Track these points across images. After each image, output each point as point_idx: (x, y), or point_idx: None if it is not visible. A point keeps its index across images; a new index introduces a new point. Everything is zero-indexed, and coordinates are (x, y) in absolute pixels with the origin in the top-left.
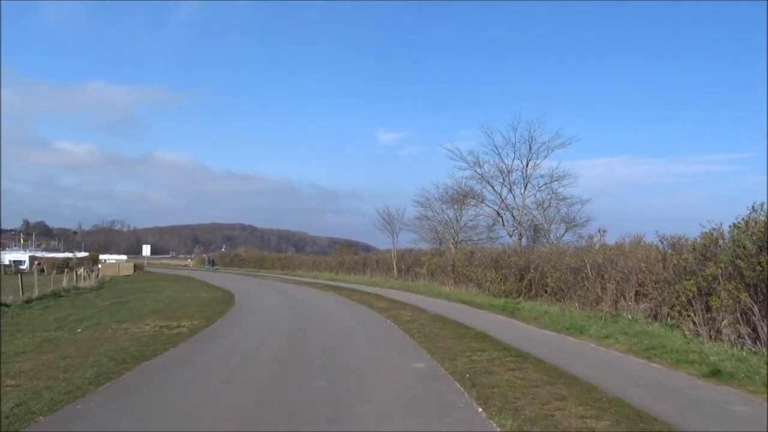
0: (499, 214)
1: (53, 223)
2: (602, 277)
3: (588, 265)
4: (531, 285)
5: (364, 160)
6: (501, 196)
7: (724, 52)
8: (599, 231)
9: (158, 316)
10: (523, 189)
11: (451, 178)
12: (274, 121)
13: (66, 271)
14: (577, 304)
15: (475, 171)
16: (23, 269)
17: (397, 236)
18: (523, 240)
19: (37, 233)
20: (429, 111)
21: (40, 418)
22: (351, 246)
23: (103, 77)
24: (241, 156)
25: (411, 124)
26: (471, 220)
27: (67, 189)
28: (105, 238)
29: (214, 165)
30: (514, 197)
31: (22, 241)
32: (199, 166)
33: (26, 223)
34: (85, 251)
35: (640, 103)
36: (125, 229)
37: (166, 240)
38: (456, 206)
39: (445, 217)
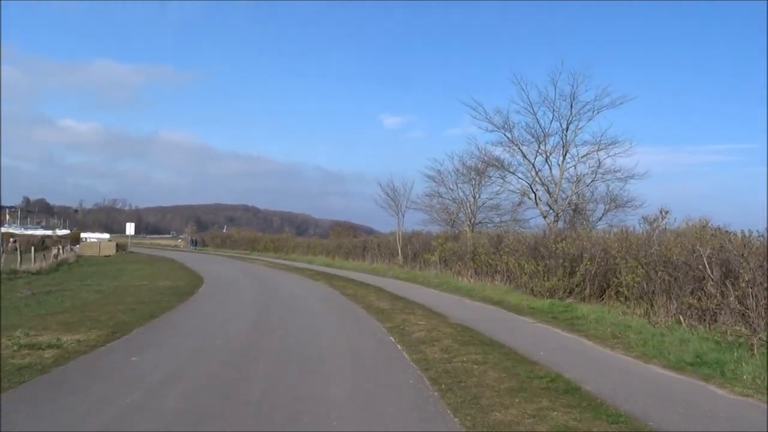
0: (532, 188)
1: (55, 201)
2: (733, 277)
3: (706, 259)
4: (584, 281)
5: (369, 144)
6: (535, 167)
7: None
8: (661, 212)
9: (63, 319)
10: (561, 159)
11: (472, 144)
12: (279, 103)
13: (41, 249)
14: (681, 318)
15: (504, 134)
16: None
17: (403, 216)
18: (560, 222)
19: (38, 210)
20: (435, 95)
21: None
22: (351, 228)
23: (109, 55)
24: (246, 137)
25: (416, 108)
26: (491, 199)
27: (71, 167)
28: (106, 217)
29: (218, 146)
30: (550, 168)
31: (7, 216)
32: (204, 146)
33: (26, 200)
34: (89, 230)
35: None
36: (127, 208)
37: (168, 220)
38: (475, 181)
39: (461, 194)
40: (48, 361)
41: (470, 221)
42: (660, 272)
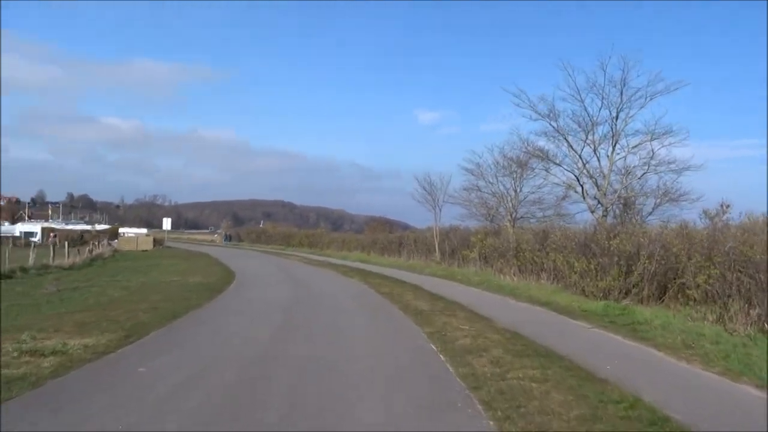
0: (579, 181)
1: (97, 197)
2: None
3: None
4: (642, 281)
5: (403, 139)
6: (582, 159)
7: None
8: (722, 206)
9: (80, 319)
10: (610, 149)
11: (514, 134)
12: (315, 100)
13: (79, 244)
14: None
15: (548, 123)
16: (34, 241)
17: (440, 211)
18: (608, 218)
19: (81, 206)
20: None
21: None
22: (386, 224)
23: (149, 54)
24: (283, 134)
25: (452, 103)
26: (533, 192)
27: (113, 164)
28: (146, 212)
29: (255, 143)
30: (598, 160)
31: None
32: (241, 143)
33: (70, 195)
34: (130, 225)
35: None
36: (166, 204)
37: (206, 215)
38: (516, 174)
39: (501, 188)
40: (45, 371)
41: (511, 216)
42: (737, 273)
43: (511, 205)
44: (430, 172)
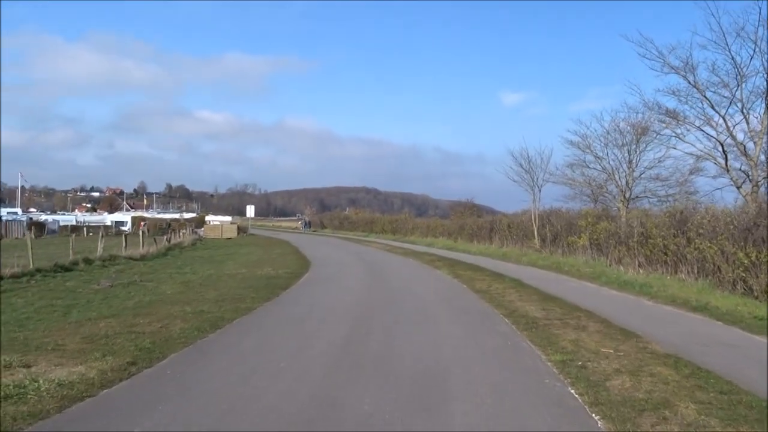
0: (723, 148)
1: (194, 187)
2: None
3: None
4: None
5: (488, 122)
6: (726, 121)
7: None
8: None
9: (96, 331)
10: (764, 108)
11: (635, 93)
12: (399, 83)
13: (167, 232)
14: None
15: (683, 77)
16: (125, 230)
17: (540, 191)
18: (761, 192)
19: (179, 196)
20: (557, 67)
21: None
22: (474, 208)
23: (239, 48)
24: (367, 121)
25: (536, 83)
26: (650, 168)
27: (207, 155)
28: (239, 201)
29: (340, 131)
30: (747, 122)
31: (128, 206)
32: (327, 131)
33: (169, 186)
34: (222, 213)
35: None
36: (257, 193)
37: (294, 203)
38: (631, 146)
39: (610, 163)
40: None
41: (624, 196)
42: None
43: (624, 182)
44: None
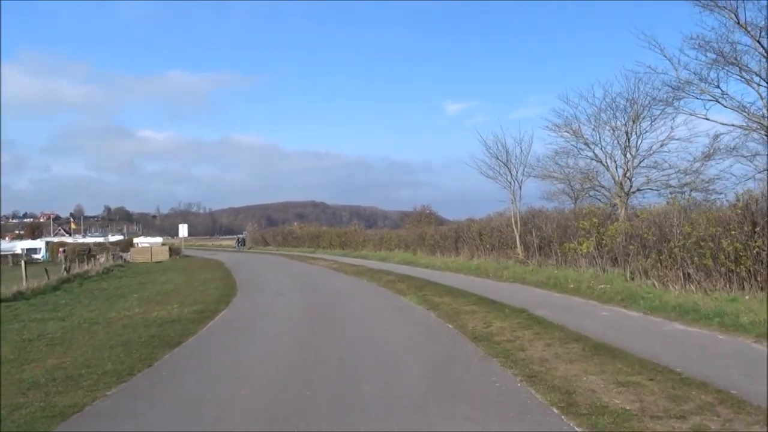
0: (759, 124)
1: (134, 209)
2: None
3: None
4: None
5: (433, 131)
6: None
7: None
8: None
9: None
10: None
11: (652, 46)
12: (344, 98)
13: (85, 259)
14: None
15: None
16: (37, 258)
17: (521, 188)
18: None
19: (119, 219)
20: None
21: None
22: (432, 215)
23: (180, 66)
24: (313, 135)
25: (477, 92)
26: (651, 153)
27: (150, 175)
28: (183, 220)
29: (286, 145)
30: None
31: (72, 226)
32: (273, 146)
33: (107, 209)
34: (165, 235)
35: None
36: (201, 211)
37: (240, 220)
38: (631, 125)
39: (601, 150)
40: None
41: (622, 189)
42: None
43: (624, 170)
44: (464, 162)
